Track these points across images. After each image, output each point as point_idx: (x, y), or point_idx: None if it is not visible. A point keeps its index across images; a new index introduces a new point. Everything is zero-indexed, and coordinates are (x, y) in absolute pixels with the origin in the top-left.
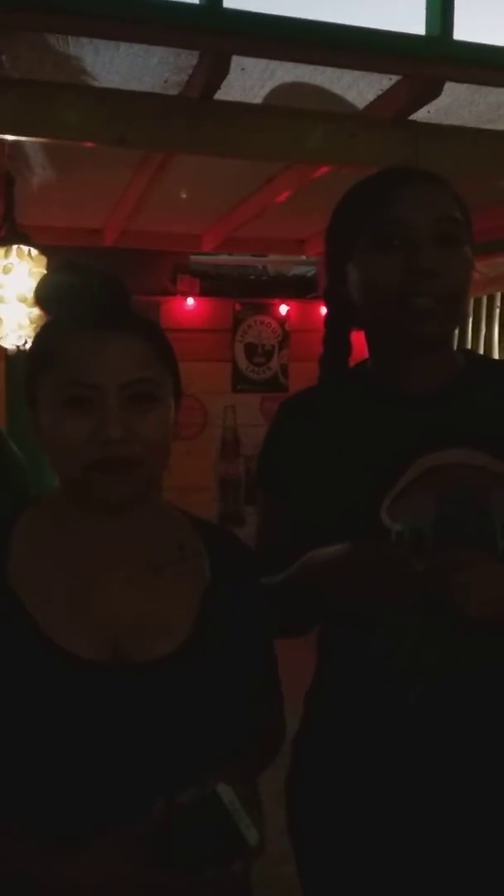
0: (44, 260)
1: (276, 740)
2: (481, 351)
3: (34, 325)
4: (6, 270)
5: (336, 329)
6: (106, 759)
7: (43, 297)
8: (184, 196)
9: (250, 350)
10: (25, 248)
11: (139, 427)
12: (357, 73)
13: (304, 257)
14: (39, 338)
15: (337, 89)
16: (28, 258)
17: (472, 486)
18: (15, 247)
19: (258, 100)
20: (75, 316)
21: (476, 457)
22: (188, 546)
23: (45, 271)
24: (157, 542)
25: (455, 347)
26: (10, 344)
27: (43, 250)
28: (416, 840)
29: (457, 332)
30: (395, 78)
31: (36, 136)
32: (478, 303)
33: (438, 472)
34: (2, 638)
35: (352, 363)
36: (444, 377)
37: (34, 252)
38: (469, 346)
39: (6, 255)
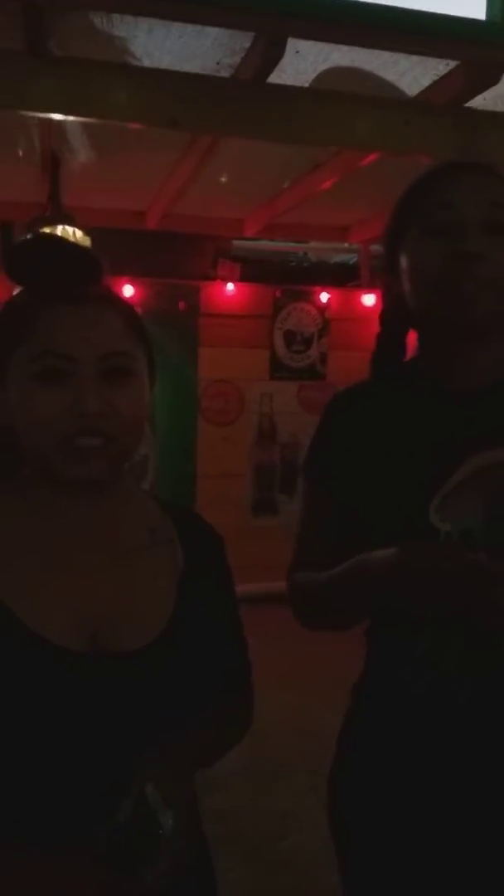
0: (87, 241)
1: (242, 723)
2: None
3: None
4: None
5: (390, 325)
6: (87, 747)
7: (15, 268)
8: (228, 181)
9: (289, 337)
10: (70, 229)
11: (116, 401)
12: (413, 58)
13: (346, 245)
14: (10, 310)
15: (392, 74)
16: (72, 239)
17: None
18: (60, 227)
19: (311, 83)
20: (49, 288)
21: None
22: (159, 531)
23: None
24: (128, 526)
25: None
26: None
27: (87, 232)
28: (460, 839)
29: None
30: (451, 64)
31: (84, 116)
32: None
33: (490, 472)
34: None
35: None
36: (497, 372)
37: (79, 233)
38: None
39: None
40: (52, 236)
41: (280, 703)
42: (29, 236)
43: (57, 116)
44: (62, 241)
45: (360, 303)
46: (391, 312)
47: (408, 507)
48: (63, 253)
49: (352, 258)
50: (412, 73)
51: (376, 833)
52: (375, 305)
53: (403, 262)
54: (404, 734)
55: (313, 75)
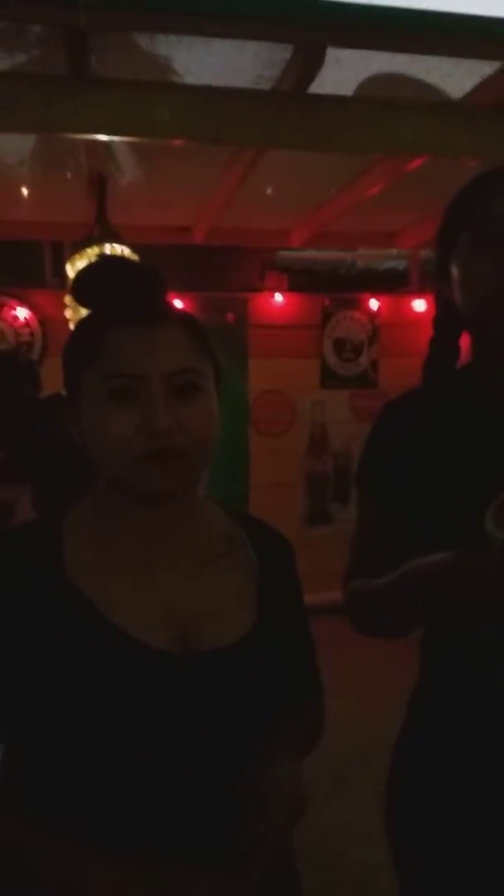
0: (135, 258)
1: (318, 726)
2: None
3: None
4: None
5: (443, 331)
6: (179, 746)
7: (81, 292)
8: (273, 192)
9: (339, 345)
10: (118, 247)
11: (185, 418)
12: (455, 60)
13: (395, 251)
14: (79, 332)
15: (434, 78)
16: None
17: None
18: (107, 245)
19: (352, 92)
20: (116, 310)
21: None
22: (234, 537)
23: None
24: (205, 534)
25: None
26: None
27: (134, 249)
28: None
29: None
30: (495, 65)
31: (129, 135)
32: None
33: None
34: (71, 630)
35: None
36: None
37: (126, 250)
38: None
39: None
40: (114, 258)
41: (338, 715)
42: (94, 259)
43: (102, 137)
44: (124, 262)
45: (411, 308)
46: (444, 318)
47: (463, 515)
48: (126, 274)
49: (401, 264)
50: (455, 76)
51: (437, 843)
52: (427, 311)
53: (455, 272)
54: (465, 742)
55: (354, 84)
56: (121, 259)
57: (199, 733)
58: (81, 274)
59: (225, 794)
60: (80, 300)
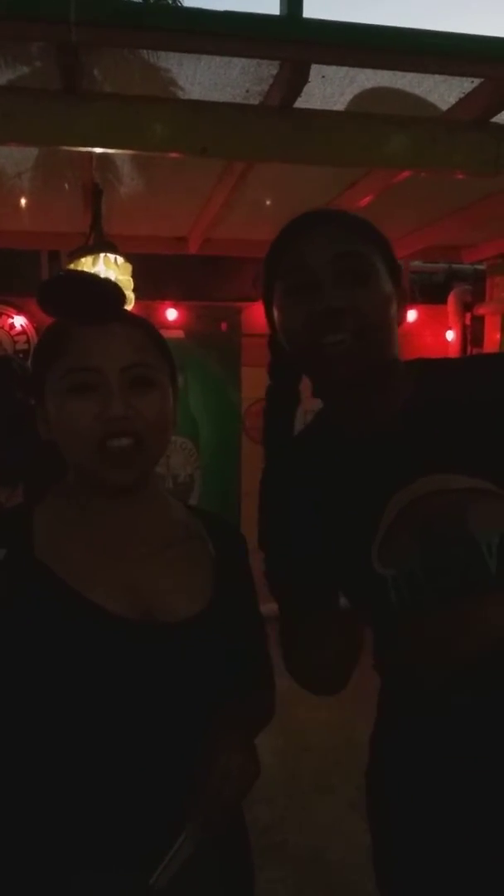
0: (129, 268)
1: (269, 711)
2: None
3: None
4: None
5: (279, 376)
6: (140, 712)
7: (44, 303)
8: (266, 203)
9: None
10: (112, 257)
11: (140, 406)
12: (438, 77)
13: None
14: (45, 336)
15: (418, 93)
16: (114, 266)
17: (450, 511)
18: (102, 255)
19: (339, 106)
20: (77, 314)
21: (447, 479)
22: (191, 527)
23: (131, 279)
24: (164, 523)
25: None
26: None
27: (129, 258)
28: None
29: None
30: (476, 81)
31: (121, 148)
32: None
33: (415, 507)
34: (40, 602)
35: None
36: (396, 403)
37: (120, 260)
38: None
39: (94, 264)
40: (75, 272)
41: (322, 717)
42: (60, 273)
43: (96, 150)
44: (83, 275)
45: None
46: (278, 364)
47: (353, 561)
48: (85, 284)
49: None
50: (438, 91)
51: (411, 845)
52: (417, 320)
53: (276, 318)
54: (425, 743)
55: (341, 98)
56: (79, 273)
57: (159, 700)
58: (45, 285)
59: (181, 762)
60: (44, 310)
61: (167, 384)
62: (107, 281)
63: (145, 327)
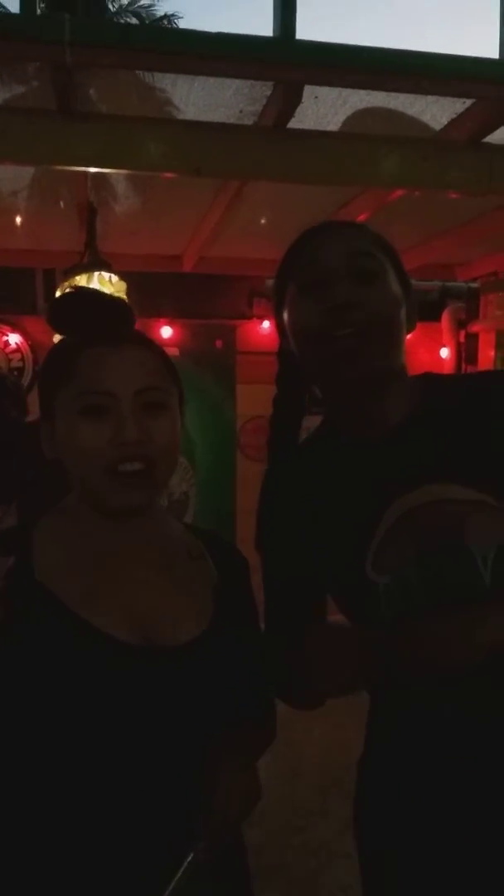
0: (123, 285)
1: (269, 735)
2: None
3: None
4: None
5: (286, 387)
6: (141, 736)
7: (55, 320)
8: (261, 222)
9: None
10: (107, 275)
11: (152, 430)
12: (430, 97)
13: None
14: (54, 355)
15: (410, 114)
16: (109, 284)
17: (447, 522)
18: (97, 273)
19: (333, 127)
20: (89, 334)
21: (446, 490)
22: (193, 549)
23: (126, 297)
24: (166, 544)
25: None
26: None
27: (123, 276)
28: (482, 869)
29: None
30: (468, 101)
31: (119, 168)
32: None
33: (412, 516)
34: (40, 625)
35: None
36: (400, 413)
37: (115, 278)
38: None
39: (88, 281)
40: (86, 290)
41: (317, 737)
42: (67, 290)
43: (91, 170)
44: (94, 294)
45: None
46: (286, 374)
47: (347, 567)
48: (97, 303)
49: None
50: (430, 112)
51: (396, 867)
52: (415, 336)
53: (286, 319)
54: (416, 763)
55: (333, 119)
56: (90, 291)
57: (160, 723)
58: (56, 303)
59: (183, 784)
60: (54, 327)
61: (176, 406)
62: (118, 300)
63: (158, 350)
